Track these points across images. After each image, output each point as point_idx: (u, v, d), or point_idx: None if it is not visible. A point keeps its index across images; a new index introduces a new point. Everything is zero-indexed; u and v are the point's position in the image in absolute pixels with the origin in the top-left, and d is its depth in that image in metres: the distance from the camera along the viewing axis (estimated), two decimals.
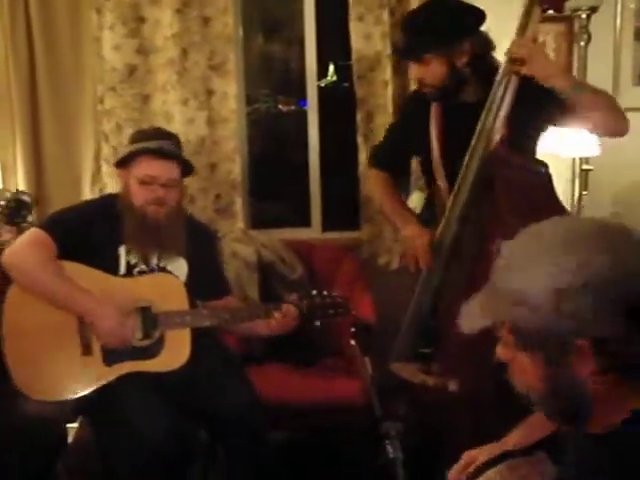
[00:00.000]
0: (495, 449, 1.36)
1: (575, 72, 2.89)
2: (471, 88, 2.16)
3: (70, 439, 2.48)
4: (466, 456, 1.39)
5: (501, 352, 1.04)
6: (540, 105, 2.02)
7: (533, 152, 2.20)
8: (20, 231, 2.18)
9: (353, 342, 1.84)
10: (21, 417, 2.07)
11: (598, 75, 2.89)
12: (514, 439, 1.36)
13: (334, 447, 2.70)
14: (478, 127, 2.03)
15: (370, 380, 1.78)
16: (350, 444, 2.64)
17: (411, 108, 2.41)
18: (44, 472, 2.17)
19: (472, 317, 1.02)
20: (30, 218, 2.21)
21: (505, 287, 0.97)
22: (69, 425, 2.44)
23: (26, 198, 2.18)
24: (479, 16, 2.12)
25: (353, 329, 1.85)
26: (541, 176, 2.07)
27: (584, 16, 2.83)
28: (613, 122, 1.99)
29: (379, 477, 1.71)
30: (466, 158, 2.05)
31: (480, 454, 1.36)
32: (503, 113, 2.00)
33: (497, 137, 2.02)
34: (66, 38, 3.11)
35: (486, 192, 2.02)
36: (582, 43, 2.89)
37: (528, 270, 0.94)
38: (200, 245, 2.35)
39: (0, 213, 2.16)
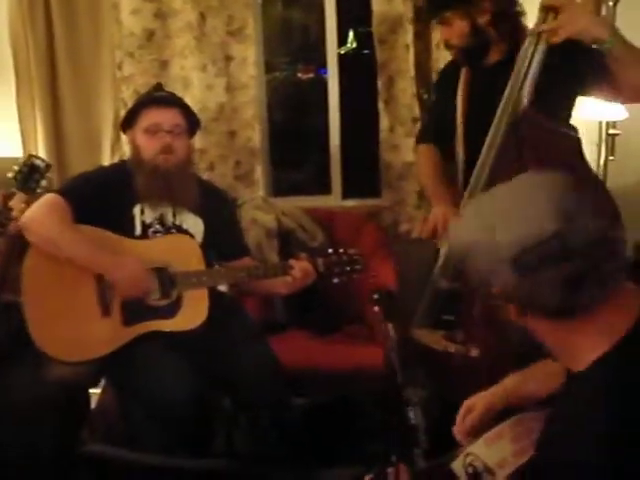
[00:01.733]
0: (493, 394, 1.36)
1: None
2: (496, 50, 2.13)
3: (93, 404, 2.50)
4: (464, 405, 1.40)
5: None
6: (574, 68, 1.97)
7: (567, 118, 2.14)
8: (34, 197, 2.17)
9: (376, 308, 1.82)
10: (44, 384, 2.08)
11: (627, 36, 2.81)
12: (508, 383, 1.37)
13: (356, 414, 2.70)
14: (506, 90, 1.97)
15: (393, 346, 1.76)
16: (372, 411, 2.64)
17: (445, 77, 2.39)
18: (68, 438, 2.19)
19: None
20: (44, 183, 2.17)
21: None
22: (92, 390, 2.45)
23: (39, 162, 2.15)
24: None
25: (376, 295, 1.83)
26: (572, 141, 2.02)
27: None
28: None
29: (400, 444, 1.70)
30: (494, 123, 1.99)
31: (478, 401, 1.36)
32: (532, 75, 1.94)
33: (525, 101, 1.96)
34: (84, 4, 3.08)
35: (514, 158, 1.97)
36: (610, 3, 2.81)
37: (451, 233, 1.15)
38: (215, 205, 2.35)
39: (14, 179, 2.14)
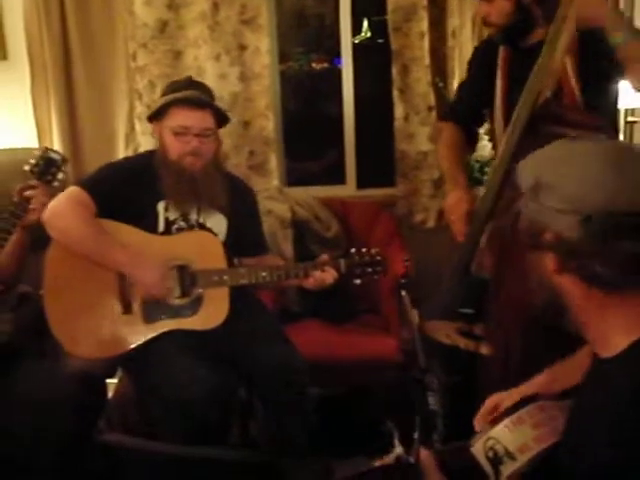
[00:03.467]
0: (519, 393, 1.34)
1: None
2: (541, 30, 1.97)
3: (110, 394, 2.52)
4: (490, 401, 1.38)
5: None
6: (603, 56, 1.85)
7: (608, 109, 2.03)
8: (51, 190, 2.17)
9: (404, 293, 1.82)
10: (61, 375, 2.09)
11: None
12: (541, 381, 1.35)
13: (370, 403, 2.69)
14: (528, 80, 1.87)
15: (417, 332, 1.76)
16: (386, 400, 2.64)
17: (480, 56, 2.26)
18: (85, 428, 2.20)
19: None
20: (60, 176, 2.18)
21: (519, 178, 1.07)
22: (108, 380, 2.46)
23: (55, 156, 2.16)
24: None
25: (403, 280, 1.82)
26: (598, 136, 1.85)
27: None
28: None
29: (417, 430, 1.70)
30: (513, 118, 1.91)
31: (506, 398, 1.35)
32: (555, 65, 1.85)
33: (547, 92, 1.88)
34: None
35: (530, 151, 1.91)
36: None
37: (535, 158, 1.06)
38: (240, 201, 2.32)
39: (30, 172, 2.15)
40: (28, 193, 2.12)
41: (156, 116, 2.21)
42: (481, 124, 2.42)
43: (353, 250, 2.23)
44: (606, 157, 0.99)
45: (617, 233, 0.95)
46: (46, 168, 2.16)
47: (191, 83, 2.26)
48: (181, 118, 2.14)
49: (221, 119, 2.24)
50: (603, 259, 0.96)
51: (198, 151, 2.15)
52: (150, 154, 2.31)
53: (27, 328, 2.14)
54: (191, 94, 2.17)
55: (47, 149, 2.21)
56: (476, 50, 2.33)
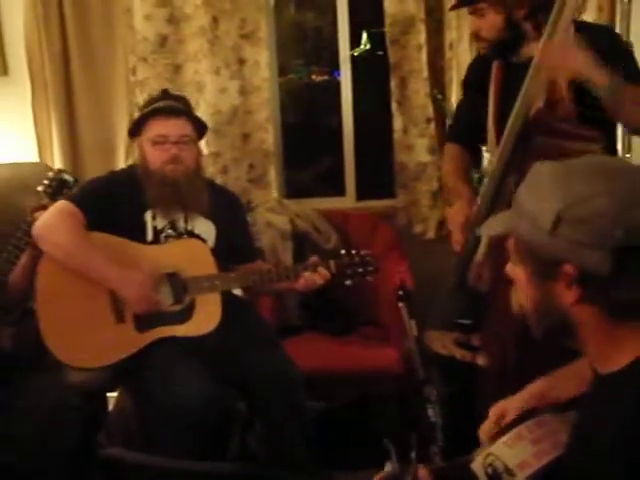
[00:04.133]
0: (521, 400, 1.34)
1: (618, 29, 2.77)
2: (533, 45, 1.97)
3: (110, 407, 2.52)
4: (495, 410, 1.37)
5: (509, 268, 1.14)
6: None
7: (602, 119, 1.98)
8: None
9: (401, 305, 1.82)
10: (62, 389, 2.09)
11: None
12: (537, 389, 1.35)
13: (370, 415, 2.69)
14: (521, 91, 1.89)
15: (415, 343, 1.76)
16: (386, 412, 2.64)
17: (473, 73, 2.28)
18: (86, 441, 2.20)
19: (492, 224, 1.17)
20: None
21: (521, 206, 1.06)
22: (109, 394, 2.47)
23: (68, 178, 2.25)
24: None
25: (401, 292, 1.82)
26: (590, 147, 1.91)
27: None
28: None
29: (416, 442, 1.70)
30: (506, 129, 1.92)
31: (509, 406, 1.34)
32: (546, 77, 1.87)
33: (539, 102, 1.90)
34: (97, 10, 3.10)
35: (522, 162, 1.87)
36: (626, 0, 2.78)
37: (541, 193, 1.03)
38: (226, 209, 2.35)
39: (43, 192, 2.21)
40: (38, 214, 2.16)
41: (136, 131, 2.26)
42: (482, 140, 2.44)
43: (343, 251, 2.24)
44: (628, 189, 0.98)
45: None
46: (59, 189, 2.22)
47: (166, 95, 2.31)
48: (158, 128, 2.19)
49: (199, 128, 2.28)
50: (629, 293, 0.98)
51: (177, 158, 2.19)
52: (132, 167, 2.37)
53: (29, 342, 2.15)
54: (165, 104, 2.23)
55: (60, 171, 2.29)
56: (469, 68, 2.35)
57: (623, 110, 1.81)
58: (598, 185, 0.98)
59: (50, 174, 2.24)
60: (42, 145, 3.16)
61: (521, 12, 1.96)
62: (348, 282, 2.21)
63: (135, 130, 2.27)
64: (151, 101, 2.31)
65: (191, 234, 2.26)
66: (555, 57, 1.81)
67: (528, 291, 1.08)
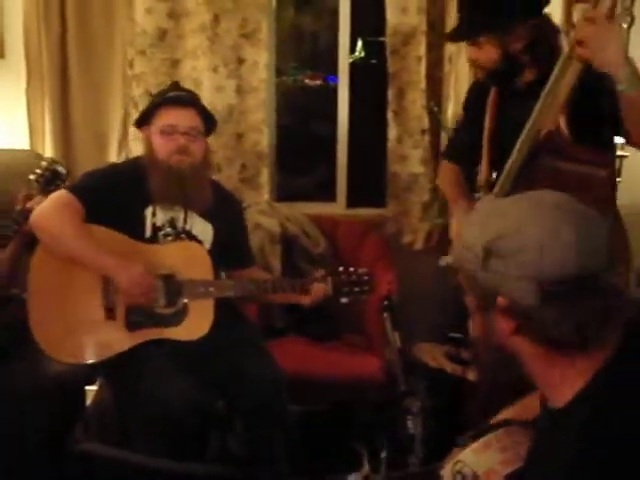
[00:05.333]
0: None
1: None
2: (530, 75, 2.00)
3: (88, 401, 2.49)
4: None
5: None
6: (599, 97, 1.84)
7: (606, 143, 1.99)
8: None
9: (385, 315, 1.82)
10: (40, 379, 2.07)
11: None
12: (512, 413, 1.37)
13: (351, 422, 2.69)
14: (533, 113, 1.89)
15: (398, 354, 1.76)
16: (368, 420, 2.64)
17: (473, 97, 2.29)
18: (62, 434, 2.18)
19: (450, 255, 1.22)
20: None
21: (465, 239, 1.10)
22: (88, 387, 2.44)
23: (61, 169, 2.23)
24: (537, 0, 1.96)
25: (386, 302, 1.83)
26: (593, 181, 1.90)
27: None
28: None
29: (397, 453, 1.70)
30: (515, 148, 1.92)
31: None
32: (559, 101, 1.85)
33: (551, 125, 1.88)
34: (98, 0, 3.08)
35: (529, 184, 1.84)
36: (625, 25, 2.81)
37: (474, 226, 1.08)
38: (226, 210, 2.33)
39: (35, 181, 2.19)
40: (29, 204, 2.14)
41: (145, 121, 2.25)
42: (478, 162, 2.46)
43: (341, 269, 2.24)
44: (555, 221, 1.01)
45: (571, 298, 0.99)
46: (51, 181, 2.21)
47: (176, 87, 2.32)
48: (167, 117, 2.18)
49: (208, 123, 2.27)
50: (558, 323, 1.00)
51: (185, 149, 2.17)
52: (136, 160, 2.35)
53: (9, 329, 2.13)
54: (175, 94, 2.23)
55: (54, 161, 2.27)
56: (469, 92, 2.36)
57: (635, 110, 1.76)
58: (525, 218, 1.02)
59: (43, 164, 2.23)
60: (34, 133, 3.12)
61: (518, 45, 1.96)
62: (344, 300, 2.21)
63: (144, 119, 2.25)
64: (162, 92, 2.30)
65: (189, 234, 2.24)
66: (594, 34, 1.71)
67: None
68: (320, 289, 2.17)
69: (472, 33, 2.00)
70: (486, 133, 2.11)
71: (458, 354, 2.02)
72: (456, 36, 2.18)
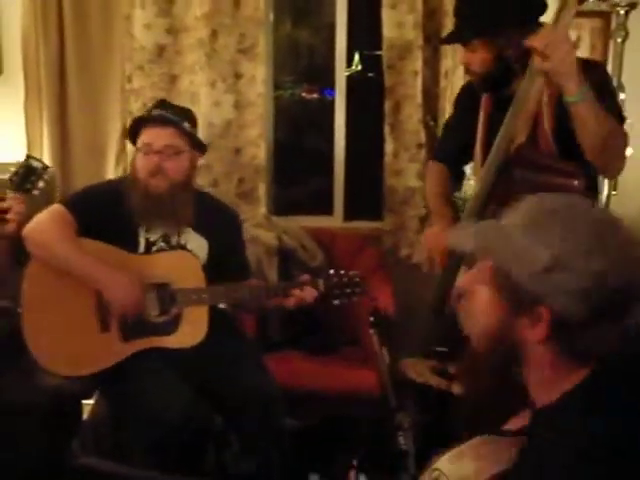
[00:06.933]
0: None
1: (611, 69, 2.83)
2: (521, 79, 1.96)
3: (85, 415, 2.49)
4: None
5: (465, 280, 1.13)
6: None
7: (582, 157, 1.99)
8: (31, 199, 2.13)
9: (372, 331, 1.82)
10: (37, 393, 2.07)
11: (634, 73, 2.85)
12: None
13: (348, 436, 2.68)
14: (502, 126, 1.93)
15: (386, 371, 1.76)
16: (364, 434, 2.63)
17: (465, 96, 2.30)
18: (59, 448, 2.17)
19: (463, 237, 1.12)
20: (41, 184, 2.12)
21: (510, 237, 1.04)
22: (84, 401, 2.44)
23: (36, 164, 2.11)
24: (531, 7, 1.98)
25: (372, 318, 1.83)
26: (571, 182, 1.92)
27: (622, 12, 2.79)
28: (606, 156, 1.84)
29: (390, 468, 1.70)
30: (487, 160, 1.96)
31: None
32: (529, 112, 1.90)
33: (522, 138, 1.93)
34: (97, 15, 3.10)
35: (502, 196, 1.88)
36: (619, 40, 2.84)
37: (539, 232, 1.01)
38: (222, 225, 2.33)
39: (9, 180, 2.11)
40: (6, 205, 2.08)
41: (133, 140, 2.24)
42: (467, 162, 2.47)
43: (332, 271, 2.24)
44: (619, 250, 0.99)
45: (616, 312, 0.98)
46: (26, 177, 2.10)
47: (161, 104, 2.29)
48: (145, 136, 2.17)
49: (195, 142, 2.24)
50: (600, 337, 0.99)
51: (159, 169, 2.14)
52: (127, 177, 2.34)
53: (2, 343, 2.12)
54: (156, 113, 2.21)
55: (29, 157, 2.15)
56: (461, 90, 2.37)
57: (586, 125, 1.79)
58: (596, 243, 0.99)
59: (19, 162, 2.15)
60: (32, 147, 3.14)
61: (511, 52, 1.98)
62: (336, 302, 2.21)
63: (132, 138, 2.25)
64: (148, 110, 2.30)
65: (183, 249, 2.24)
66: (552, 44, 1.76)
67: (488, 313, 1.08)
68: (306, 292, 2.16)
69: (465, 36, 2.03)
70: (479, 139, 2.13)
71: (444, 368, 2.01)
72: (450, 39, 2.22)
